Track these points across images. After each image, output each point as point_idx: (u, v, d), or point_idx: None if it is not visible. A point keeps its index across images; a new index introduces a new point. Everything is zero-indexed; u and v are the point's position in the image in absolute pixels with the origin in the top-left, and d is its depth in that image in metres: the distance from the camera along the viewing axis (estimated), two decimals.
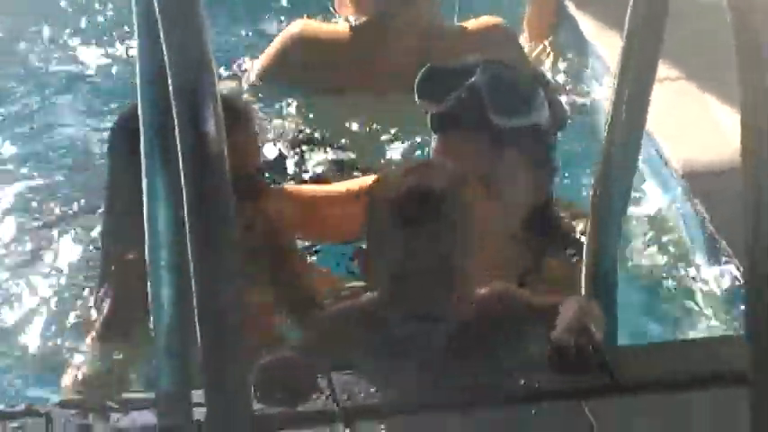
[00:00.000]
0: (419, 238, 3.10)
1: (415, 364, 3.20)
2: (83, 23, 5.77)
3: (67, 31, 5.83)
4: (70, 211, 4.55)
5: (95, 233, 4.08)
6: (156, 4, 2.52)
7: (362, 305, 3.26)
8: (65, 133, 5.17)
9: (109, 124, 4.43)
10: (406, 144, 4.32)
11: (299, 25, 4.92)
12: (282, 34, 4.95)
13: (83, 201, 4.57)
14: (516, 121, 3.47)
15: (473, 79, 3.48)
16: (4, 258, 4.37)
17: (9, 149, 5.15)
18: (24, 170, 4.98)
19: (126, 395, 3.22)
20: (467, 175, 3.29)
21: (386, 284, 3.16)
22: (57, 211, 4.62)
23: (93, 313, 3.66)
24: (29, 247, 4.36)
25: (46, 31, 5.93)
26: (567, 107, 4.00)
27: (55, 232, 4.40)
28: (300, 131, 4.53)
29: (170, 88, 2.52)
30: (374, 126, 4.43)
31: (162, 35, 2.51)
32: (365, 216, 3.22)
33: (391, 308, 3.16)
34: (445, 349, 3.18)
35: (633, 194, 3.44)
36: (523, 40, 4.73)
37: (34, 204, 4.70)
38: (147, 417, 3.05)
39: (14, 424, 3.07)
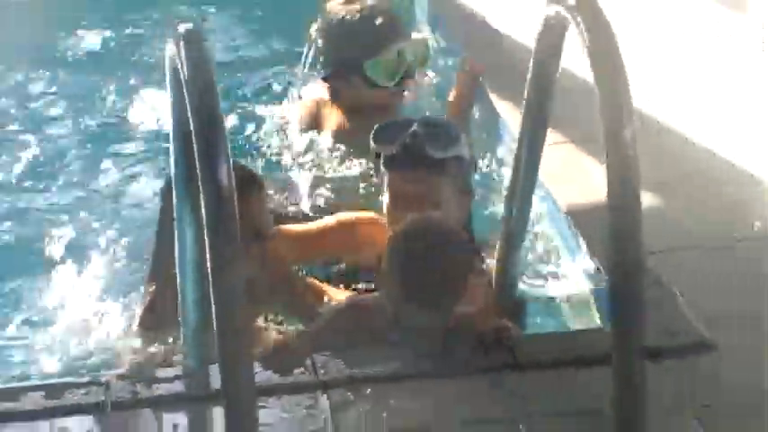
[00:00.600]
0: (426, 272, 3.13)
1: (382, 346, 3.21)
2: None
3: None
4: (129, 227, 4.38)
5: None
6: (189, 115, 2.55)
7: (371, 311, 3.26)
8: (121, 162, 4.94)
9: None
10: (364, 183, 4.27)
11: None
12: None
13: (137, 220, 4.40)
14: (446, 152, 3.50)
15: (414, 127, 3.52)
16: (78, 259, 4.19)
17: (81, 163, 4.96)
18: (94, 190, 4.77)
19: (163, 370, 3.18)
20: (459, 228, 3.38)
21: (395, 303, 3.17)
22: (116, 225, 4.42)
23: (141, 306, 3.60)
24: (98, 253, 4.21)
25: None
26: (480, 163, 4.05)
27: (117, 244, 4.30)
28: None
29: (195, 149, 2.51)
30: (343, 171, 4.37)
31: (191, 117, 2.52)
32: (385, 250, 3.23)
33: (395, 318, 3.17)
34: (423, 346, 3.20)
35: (529, 227, 3.46)
36: (447, 114, 4.67)
37: (97, 220, 4.48)
38: (179, 386, 3.07)
39: (82, 391, 3.05)
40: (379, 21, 4.37)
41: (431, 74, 4.93)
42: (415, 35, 4.66)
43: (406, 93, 4.49)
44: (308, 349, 3.19)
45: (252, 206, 3.33)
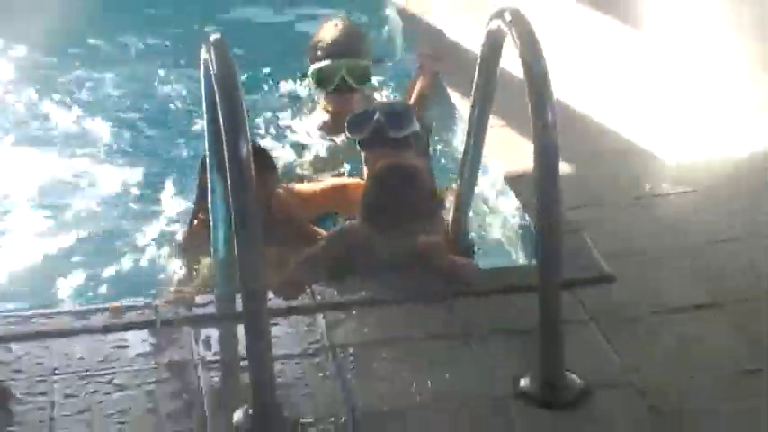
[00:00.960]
0: (390, 201, 3.16)
1: (365, 278, 3.18)
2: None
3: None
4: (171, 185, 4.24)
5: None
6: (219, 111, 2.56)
7: (357, 233, 3.25)
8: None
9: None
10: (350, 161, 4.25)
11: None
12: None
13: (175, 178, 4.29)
14: (404, 131, 3.52)
15: (375, 116, 3.53)
16: (132, 204, 4.16)
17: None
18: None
19: (200, 296, 3.17)
20: (424, 169, 3.40)
21: (370, 224, 3.18)
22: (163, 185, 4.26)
23: (184, 239, 3.60)
24: (150, 198, 4.16)
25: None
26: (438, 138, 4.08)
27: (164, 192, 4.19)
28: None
29: (222, 128, 2.53)
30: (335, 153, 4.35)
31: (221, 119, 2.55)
32: (365, 187, 3.26)
33: (373, 237, 3.18)
34: (395, 265, 3.18)
35: (477, 188, 3.49)
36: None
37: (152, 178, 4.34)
38: (211, 309, 3.09)
39: (137, 312, 3.05)
40: (327, 42, 4.17)
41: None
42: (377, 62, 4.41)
43: (354, 99, 4.17)
44: (307, 273, 3.19)
45: (268, 183, 3.38)
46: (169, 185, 4.22)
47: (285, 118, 4.52)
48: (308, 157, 4.22)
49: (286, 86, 4.76)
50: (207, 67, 2.69)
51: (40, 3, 5.36)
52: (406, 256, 3.18)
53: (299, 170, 4.14)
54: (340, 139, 4.14)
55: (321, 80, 4.22)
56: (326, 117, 4.31)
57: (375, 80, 4.35)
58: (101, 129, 4.71)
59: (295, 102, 4.64)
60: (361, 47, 4.25)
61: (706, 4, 4.41)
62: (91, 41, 5.43)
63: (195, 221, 3.55)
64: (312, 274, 3.20)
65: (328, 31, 4.26)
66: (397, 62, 4.90)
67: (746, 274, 3.23)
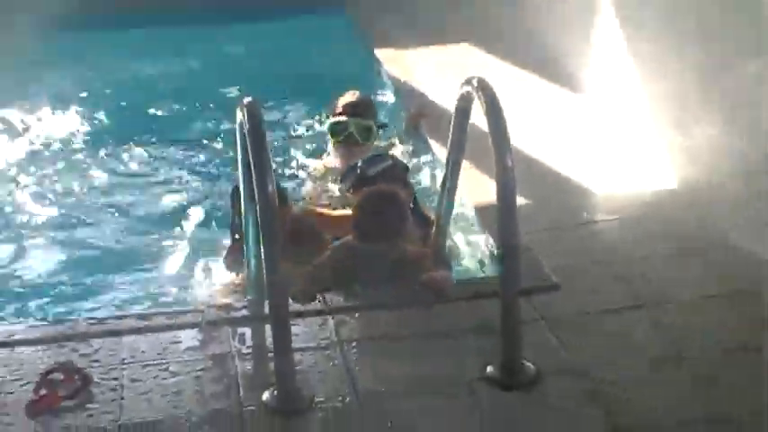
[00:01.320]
0: (375, 221, 3.14)
1: (366, 287, 3.13)
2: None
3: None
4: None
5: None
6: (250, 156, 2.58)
7: (352, 245, 3.21)
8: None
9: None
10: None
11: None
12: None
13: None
14: (376, 168, 3.49)
15: (359, 164, 3.53)
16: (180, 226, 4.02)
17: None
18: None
19: (236, 302, 3.17)
20: (402, 192, 3.33)
21: (359, 240, 3.16)
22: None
23: (225, 257, 3.50)
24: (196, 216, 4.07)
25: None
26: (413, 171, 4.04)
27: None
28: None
29: (252, 171, 2.54)
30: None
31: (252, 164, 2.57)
32: (354, 209, 3.21)
33: (362, 248, 3.15)
34: (385, 272, 3.13)
35: (453, 213, 3.45)
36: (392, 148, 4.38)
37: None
38: (245, 311, 3.07)
39: (188, 315, 3.05)
40: (343, 103, 4.13)
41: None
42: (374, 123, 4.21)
43: (358, 152, 4.03)
44: (317, 277, 3.16)
45: (285, 212, 3.36)
46: (209, 212, 4.16)
47: (305, 159, 4.53)
48: (319, 189, 4.22)
49: (307, 135, 4.76)
50: (241, 125, 2.71)
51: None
52: (397, 262, 3.15)
53: (310, 200, 4.13)
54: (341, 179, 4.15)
55: (334, 132, 4.26)
56: (336, 161, 4.34)
57: (378, 140, 4.37)
58: (157, 162, 4.65)
59: (313, 147, 4.67)
60: (369, 111, 4.27)
61: (632, 75, 4.43)
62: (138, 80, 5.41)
63: (237, 237, 3.53)
64: (321, 278, 3.19)
65: (347, 96, 4.32)
66: (392, 122, 4.91)
67: (665, 281, 3.24)
